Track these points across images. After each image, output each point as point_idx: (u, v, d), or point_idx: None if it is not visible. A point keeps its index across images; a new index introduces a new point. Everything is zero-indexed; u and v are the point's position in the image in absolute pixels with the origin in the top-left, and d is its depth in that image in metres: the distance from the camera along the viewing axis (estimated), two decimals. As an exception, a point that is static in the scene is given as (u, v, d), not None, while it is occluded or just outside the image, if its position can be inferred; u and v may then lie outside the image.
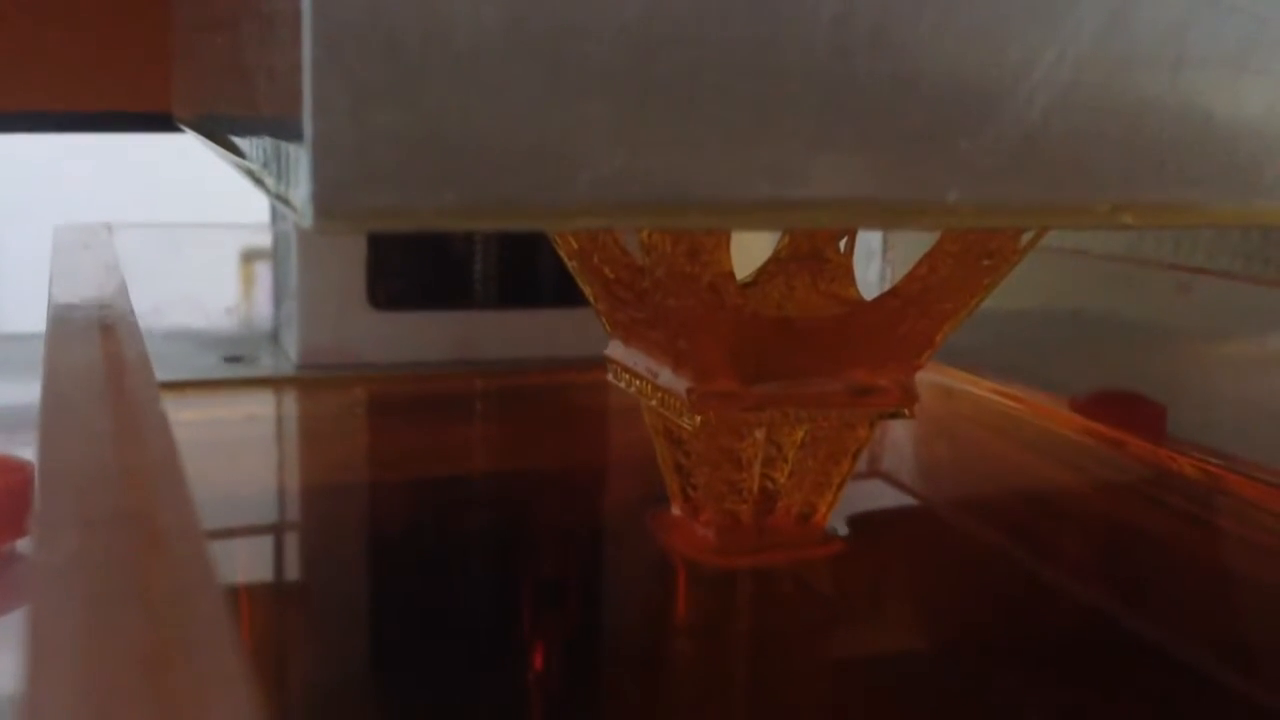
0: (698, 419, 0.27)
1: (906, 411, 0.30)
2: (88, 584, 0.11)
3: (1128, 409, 0.42)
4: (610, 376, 0.31)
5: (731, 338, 0.27)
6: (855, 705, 0.25)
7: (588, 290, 0.30)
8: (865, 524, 0.33)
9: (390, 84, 0.14)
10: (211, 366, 0.46)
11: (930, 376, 0.31)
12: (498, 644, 0.27)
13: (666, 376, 0.28)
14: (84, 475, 0.14)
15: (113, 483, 0.13)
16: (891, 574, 0.32)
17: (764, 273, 0.29)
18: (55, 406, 0.16)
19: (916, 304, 0.28)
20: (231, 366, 0.46)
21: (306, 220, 0.15)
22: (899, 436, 0.42)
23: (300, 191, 0.15)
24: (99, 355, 0.21)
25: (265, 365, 0.47)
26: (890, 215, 0.16)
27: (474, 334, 0.48)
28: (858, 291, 0.29)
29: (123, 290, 0.26)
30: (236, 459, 0.39)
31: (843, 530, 0.32)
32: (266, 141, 0.17)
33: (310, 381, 0.46)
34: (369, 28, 0.14)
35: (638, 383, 0.30)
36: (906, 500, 0.38)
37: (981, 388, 0.47)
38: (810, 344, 0.29)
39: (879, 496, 0.37)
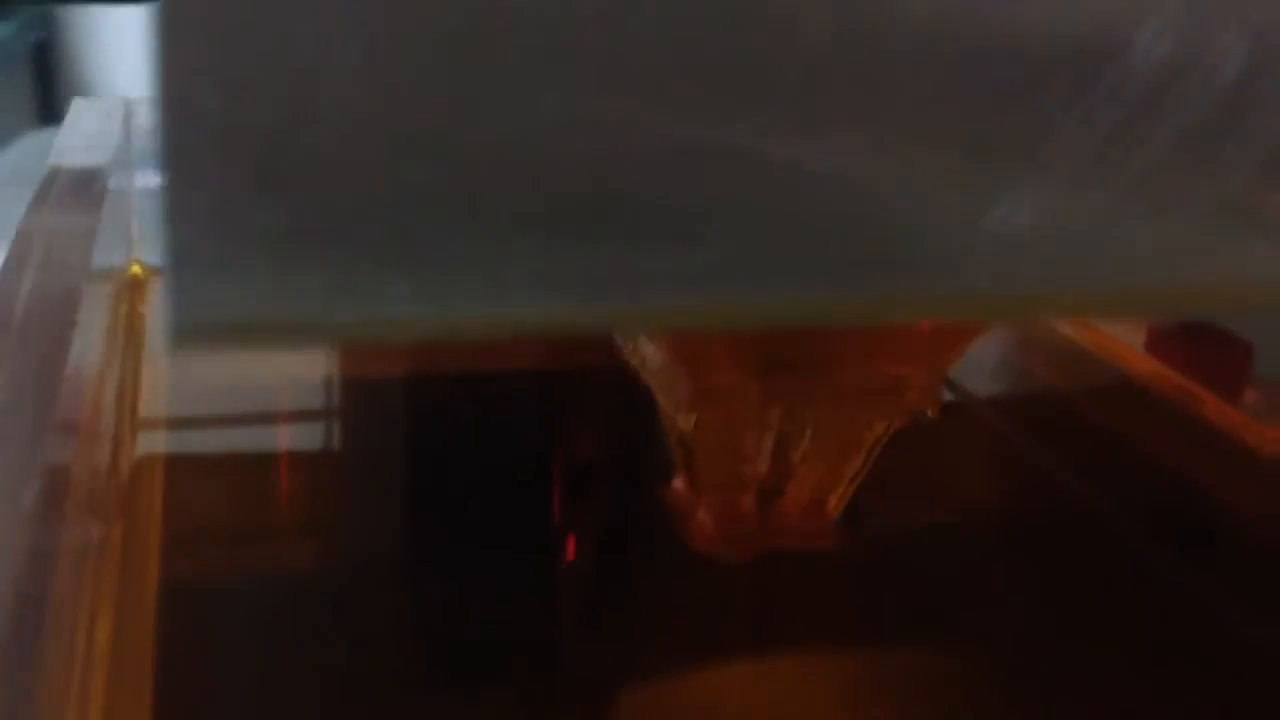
0: (693, 417, 0.27)
1: (929, 411, 0.29)
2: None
3: (1206, 347, 0.38)
4: (627, 354, 0.30)
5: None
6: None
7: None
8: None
9: (251, 198, 0.14)
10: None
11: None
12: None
13: (665, 366, 0.27)
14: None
15: None
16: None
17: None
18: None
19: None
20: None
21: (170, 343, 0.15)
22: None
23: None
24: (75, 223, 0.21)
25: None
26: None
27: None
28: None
29: (127, 161, 0.26)
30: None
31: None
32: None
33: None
34: (225, 143, 0.14)
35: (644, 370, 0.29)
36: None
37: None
38: (828, 332, 0.27)
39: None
